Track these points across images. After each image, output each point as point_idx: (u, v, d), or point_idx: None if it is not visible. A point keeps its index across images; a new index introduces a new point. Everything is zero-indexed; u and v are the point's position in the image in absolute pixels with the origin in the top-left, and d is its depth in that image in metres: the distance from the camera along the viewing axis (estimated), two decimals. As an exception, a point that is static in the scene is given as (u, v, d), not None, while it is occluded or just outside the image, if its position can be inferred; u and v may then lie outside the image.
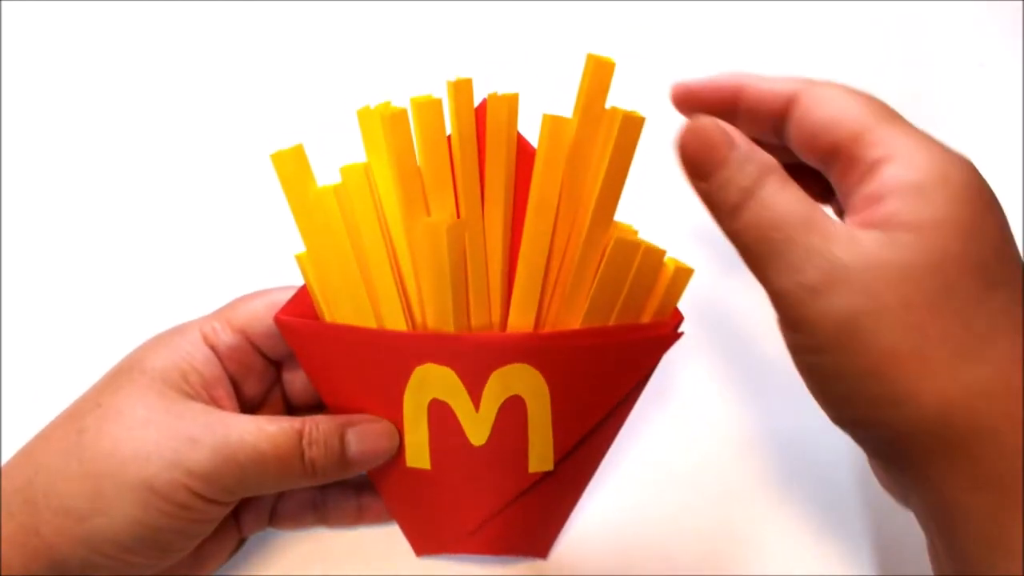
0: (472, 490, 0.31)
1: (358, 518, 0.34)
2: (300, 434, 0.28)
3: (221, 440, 0.27)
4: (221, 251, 0.40)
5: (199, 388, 0.29)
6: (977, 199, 0.24)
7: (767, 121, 0.28)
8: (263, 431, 0.28)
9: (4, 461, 0.28)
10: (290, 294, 0.30)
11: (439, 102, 0.27)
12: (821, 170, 0.27)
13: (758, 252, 0.24)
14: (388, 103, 0.28)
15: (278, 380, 0.33)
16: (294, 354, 0.30)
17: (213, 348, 0.30)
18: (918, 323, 0.22)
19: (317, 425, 0.29)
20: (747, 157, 0.25)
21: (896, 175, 0.24)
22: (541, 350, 0.29)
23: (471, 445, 0.30)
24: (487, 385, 0.29)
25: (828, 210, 0.26)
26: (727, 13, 0.46)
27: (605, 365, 0.30)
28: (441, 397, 0.30)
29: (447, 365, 0.29)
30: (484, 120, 0.28)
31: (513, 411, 0.29)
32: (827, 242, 0.23)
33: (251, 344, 0.30)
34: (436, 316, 0.29)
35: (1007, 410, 0.22)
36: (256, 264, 0.37)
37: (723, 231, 0.26)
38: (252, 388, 0.31)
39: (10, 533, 0.26)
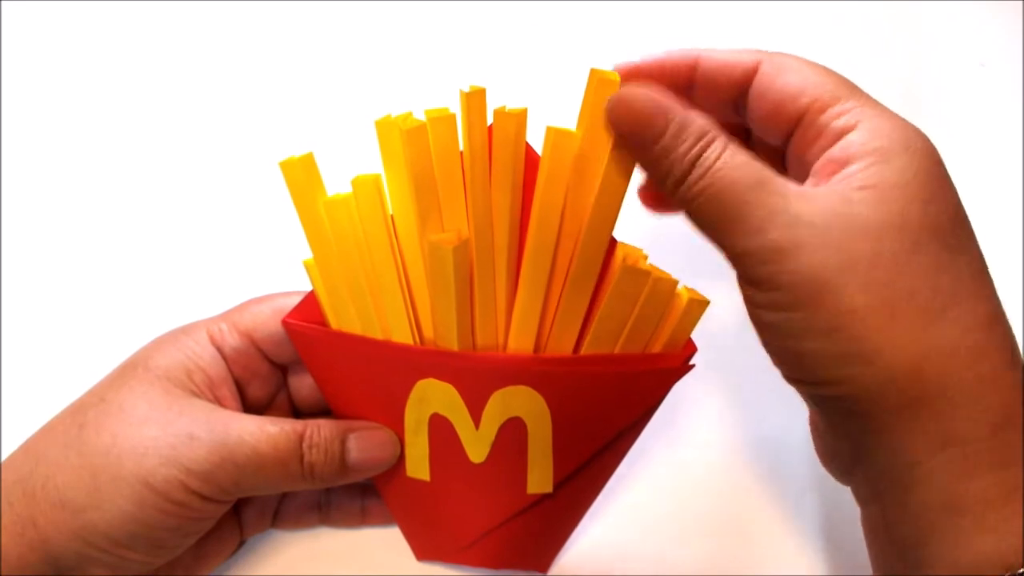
0: (469, 505, 0.31)
1: (362, 520, 0.34)
2: (301, 437, 0.28)
3: (220, 439, 0.27)
4: (230, 254, 0.40)
5: (204, 387, 0.29)
6: (936, 169, 0.24)
7: (727, 93, 0.27)
8: (264, 431, 0.28)
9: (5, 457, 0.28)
10: (296, 300, 0.30)
11: (453, 117, 0.26)
12: (776, 141, 0.27)
13: (713, 220, 0.24)
14: (409, 114, 0.27)
15: (284, 384, 0.32)
16: (300, 359, 0.30)
17: (219, 349, 0.30)
18: (887, 279, 0.22)
19: (319, 429, 0.29)
20: (684, 124, 0.24)
21: (861, 140, 0.24)
22: (543, 374, 0.28)
23: (470, 462, 0.30)
24: (488, 405, 0.29)
25: None
26: (727, 13, 0.46)
27: (609, 393, 0.29)
28: (442, 412, 0.29)
29: (448, 382, 0.29)
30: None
31: (513, 432, 0.29)
32: (787, 201, 0.23)
33: (256, 348, 0.30)
34: (441, 333, 0.29)
35: (973, 370, 0.22)
36: (265, 267, 0.37)
37: (672, 201, 0.25)
38: (257, 391, 0.31)
39: (8, 523, 0.26)
